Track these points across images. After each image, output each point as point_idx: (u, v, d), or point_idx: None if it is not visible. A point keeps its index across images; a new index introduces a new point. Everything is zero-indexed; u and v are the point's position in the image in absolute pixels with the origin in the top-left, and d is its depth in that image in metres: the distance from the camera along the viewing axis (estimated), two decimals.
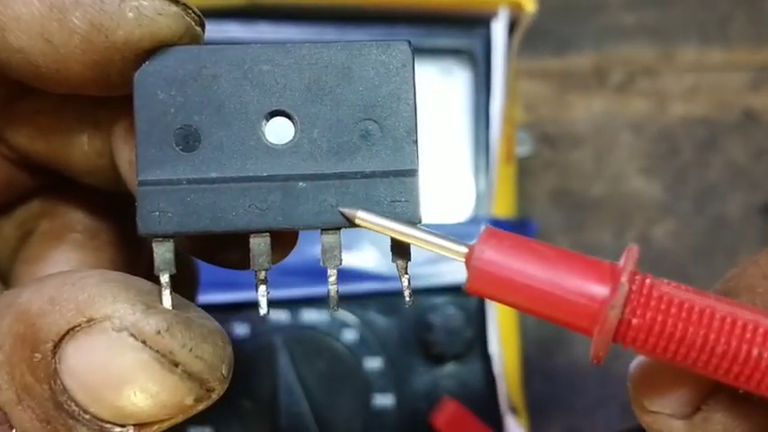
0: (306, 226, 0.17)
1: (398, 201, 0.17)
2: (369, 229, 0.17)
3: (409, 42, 0.17)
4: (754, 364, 0.16)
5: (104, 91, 0.18)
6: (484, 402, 0.39)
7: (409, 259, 0.18)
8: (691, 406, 0.18)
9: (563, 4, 0.57)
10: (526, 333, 0.46)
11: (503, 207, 0.41)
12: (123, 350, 0.16)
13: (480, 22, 0.42)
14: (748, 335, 0.16)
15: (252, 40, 0.42)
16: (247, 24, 0.42)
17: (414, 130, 0.17)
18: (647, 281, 0.17)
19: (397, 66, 0.17)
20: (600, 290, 0.17)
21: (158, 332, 0.16)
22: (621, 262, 0.17)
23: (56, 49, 0.17)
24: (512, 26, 0.42)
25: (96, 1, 0.17)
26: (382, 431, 0.38)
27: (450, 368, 0.39)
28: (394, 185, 0.17)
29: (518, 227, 0.43)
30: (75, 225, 0.23)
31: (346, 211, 0.17)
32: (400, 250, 0.18)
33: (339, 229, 0.17)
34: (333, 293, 0.18)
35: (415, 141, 0.17)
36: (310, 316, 0.38)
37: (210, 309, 0.19)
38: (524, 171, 0.51)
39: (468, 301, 0.39)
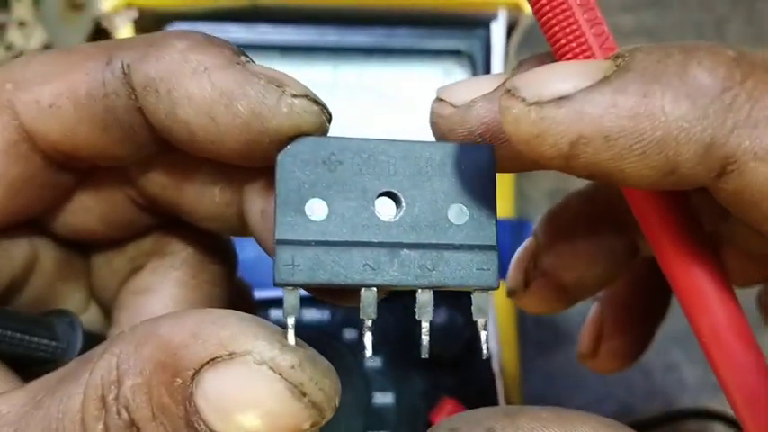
0: (406, 285, 0.20)
1: (481, 269, 0.21)
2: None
3: (492, 147, 0.21)
4: None
5: (244, 162, 0.22)
6: (483, 402, 0.39)
7: (488, 317, 0.21)
8: None
9: None
10: (525, 333, 0.47)
11: (501, 207, 0.41)
12: (262, 380, 0.18)
13: (479, 24, 0.42)
14: None
15: (253, 41, 0.42)
16: (248, 26, 0.42)
17: (494, 214, 0.21)
18: None
19: (482, 163, 0.21)
20: None
21: (292, 366, 0.18)
22: None
23: (217, 127, 0.20)
24: (511, 28, 0.43)
25: (260, 95, 0.20)
26: (382, 430, 0.38)
27: (449, 368, 0.39)
28: (477, 256, 0.21)
29: (516, 227, 0.43)
30: (180, 264, 0.26)
31: None
32: (479, 308, 0.21)
33: (432, 289, 0.21)
34: (425, 343, 0.21)
35: (495, 223, 0.21)
36: (311, 315, 0.38)
37: None
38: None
39: (468, 301, 0.40)
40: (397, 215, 0.21)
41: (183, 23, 0.42)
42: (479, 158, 0.21)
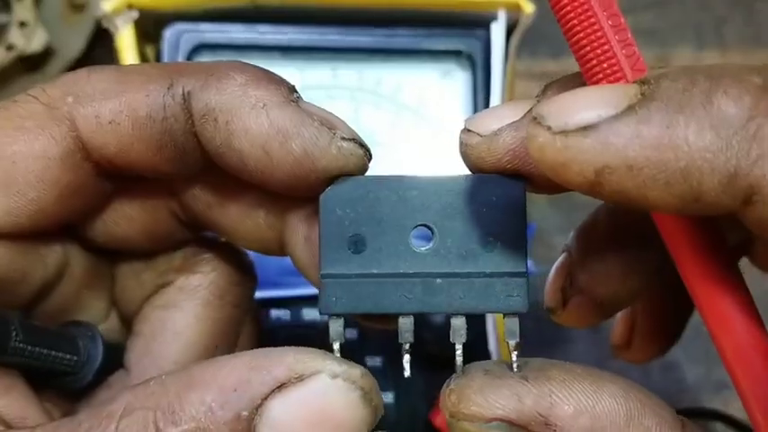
0: (440, 311, 0.22)
1: (511, 295, 0.22)
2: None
3: (524, 181, 0.22)
4: None
5: (287, 193, 0.23)
6: None
7: (519, 339, 0.22)
8: None
9: None
10: (525, 333, 0.47)
11: None
12: (338, 392, 0.20)
13: (479, 25, 0.42)
14: None
15: (253, 41, 0.42)
16: (249, 26, 0.42)
17: (524, 242, 0.22)
18: None
19: (512, 195, 0.22)
20: None
21: (361, 376, 0.20)
22: None
23: (270, 160, 0.22)
24: (510, 28, 0.43)
25: (313, 137, 0.22)
26: (382, 429, 0.38)
27: (449, 368, 0.39)
28: (507, 284, 0.22)
29: None
30: (208, 284, 0.27)
31: None
32: (510, 331, 0.22)
33: (464, 314, 0.22)
34: (459, 362, 0.22)
35: (525, 252, 0.22)
36: (311, 315, 0.39)
37: None
38: None
39: None
40: (430, 246, 0.22)
41: (183, 24, 0.42)
42: (510, 191, 0.22)
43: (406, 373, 0.22)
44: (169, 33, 0.42)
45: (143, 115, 0.22)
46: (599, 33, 0.20)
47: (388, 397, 0.38)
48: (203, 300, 0.27)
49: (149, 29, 0.43)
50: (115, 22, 0.42)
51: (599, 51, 0.20)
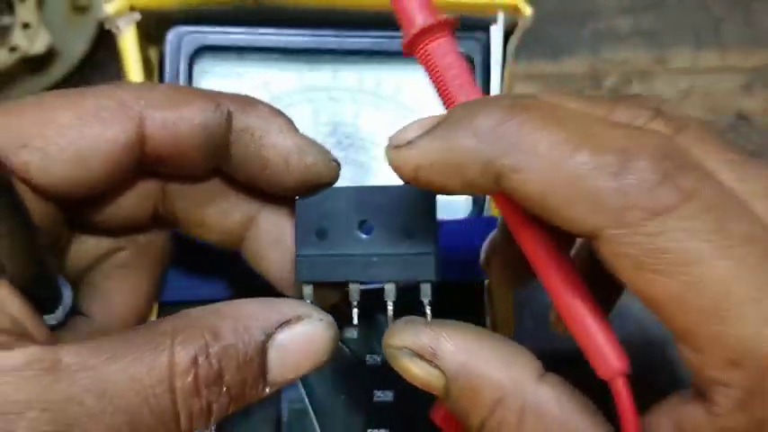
0: (376, 280, 0.30)
1: (424, 268, 0.29)
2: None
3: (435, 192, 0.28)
4: None
5: (284, 192, 0.31)
6: None
7: (431, 299, 0.29)
8: None
9: (559, 9, 0.57)
10: (525, 333, 0.47)
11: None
12: (323, 329, 0.28)
13: (478, 27, 0.42)
14: None
15: (254, 43, 0.43)
16: (250, 28, 0.43)
17: (435, 230, 0.29)
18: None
19: (427, 198, 0.30)
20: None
21: (333, 321, 0.28)
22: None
23: (287, 169, 0.30)
24: (509, 31, 0.43)
25: (319, 155, 0.30)
26: (382, 428, 0.38)
27: None
28: (422, 260, 0.29)
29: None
30: (157, 251, 0.33)
31: None
32: (424, 293, 0.29)
33: (394, 282, 0.30)
34: (390, 315, 0.29)
35: (435, 237, 0.29)
36: None
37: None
38: None
39: (468, 301, 0.40)
40: (371, 236, 0.30)
41: (185, 26, 0.42)
42: (425, 196, 0.29)
43: (355, 320, 0.30)
44: (171, 36, 0.42)
45: (197, 123, 0.29)
46: (439, 76, 0.28)
47: (388, 396, 0.39)
48: (153, 263, 0.33)
49: (152, 31, 0.43)
50: (118, 24, 0.42)
51: (443, 88, 0.28)
